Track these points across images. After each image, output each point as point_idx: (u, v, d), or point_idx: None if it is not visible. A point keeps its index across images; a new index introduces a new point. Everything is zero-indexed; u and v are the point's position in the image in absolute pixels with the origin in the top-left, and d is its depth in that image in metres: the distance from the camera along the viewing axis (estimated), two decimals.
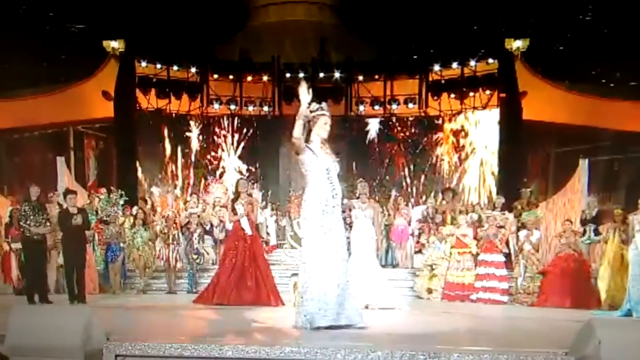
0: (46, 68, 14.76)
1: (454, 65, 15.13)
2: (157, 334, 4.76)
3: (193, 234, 11.00)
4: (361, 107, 15.90)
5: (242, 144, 16.23)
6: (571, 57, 15.29)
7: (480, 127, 15.20)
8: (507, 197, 11.69)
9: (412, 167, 16.00)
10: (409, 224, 11.85)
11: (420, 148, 15.95)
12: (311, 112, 5.30)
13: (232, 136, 16.20)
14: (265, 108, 16.15)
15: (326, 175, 5.28)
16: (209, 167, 15.92)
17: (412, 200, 14.66)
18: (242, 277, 8.21)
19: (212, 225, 11.90)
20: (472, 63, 14.92)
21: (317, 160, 5.29)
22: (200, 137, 16.05)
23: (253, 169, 16.04)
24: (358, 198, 8.94)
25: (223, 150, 16.16)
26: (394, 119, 16.03)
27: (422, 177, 15.86)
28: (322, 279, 5.15)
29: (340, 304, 5.15)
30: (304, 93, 5.25)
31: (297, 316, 5.31)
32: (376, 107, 15.83)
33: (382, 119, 16.07)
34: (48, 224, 8.50)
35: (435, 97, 15.56)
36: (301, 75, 15.65)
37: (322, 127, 5.32)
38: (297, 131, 5.20)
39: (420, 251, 11.34)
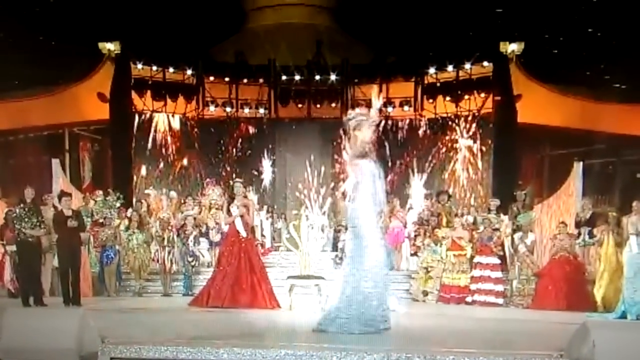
0: (41, 70, 14.71)
1: (449, 68, 15.16)
2: (153, 337, 4.75)
3: (189, 236, 10.98)
4: (357, 110, 15.90)
5: (238, 146, 16.21)
6: (566, 60, 15.37)
7: (475, 129, 15.23)
8: (502, 200, 11.72)
9: (408, 169, 15.99)
10: (405, 227, 11.87)
11: (416, 150, 15.95)
12: (349, 119, 5.50)
13: (228, 138, 16.17)
14: (261, 110, 16.14)
15: (373, 180, 5.42)
16: (205, 169, 15.88)
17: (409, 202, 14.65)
18: (237, 279, 8.20)
19: (207, 227, 11.88)
20: (467, 66, 14.95)
21: (370, 165, 5.45)
22: (196, 139, 16.02)
23: (249, 171, 15.99)
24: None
25: (219, 152, 16.12)
26: (389, 122, 16.04)
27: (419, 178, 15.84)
28: (359, 282, 5.29)
29: (371, 307, 5.25)
30: (375, 99, 5.67)
31: (323, 316, 5.44)
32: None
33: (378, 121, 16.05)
34: (43, 226, 8.47)
35: (431, 100, 15.59)
36: (297, 77, 15.70)
37: (366, 132, 5.51)
38: (368, 135, 5.45)
39: (415, 254, 11.35)
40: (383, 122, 16.01)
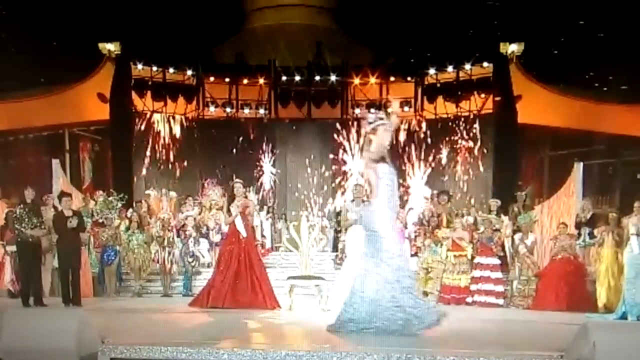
0: (42, 70, 14.74)
1: (449, 68, 15.17)
2: (152, 337, 4.75)
3: (189, 236, 10.97)
4: (357, 110, 15.93)
5: (239, 146, 16.20)
6: (566, 61, 15.38)
7: (476, 130, 15.23)
8: (502, 200, 11.72)
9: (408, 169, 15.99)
10: (405, 227, 11.85)
11: (416, 151, 15.94)
12: (369, 123, 5.52)
13: (229, 139, 16.16)
14: (262, 111, 16.14)
15: (389, 184, 5.45)
16: (205, 169, 15.86)
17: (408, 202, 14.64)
18: (237, 280, 8.19)
19: (208, 228, 11.87)
20: (467, 67, 14.95)
21: (387, 169, 5.46)
22: (196, 139, 16.01)
23: (249, 172, 15.98)
24: (353, 201, 8.97)
25: (219, 152, 16.11)
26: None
27: (419, 179, 15.85)
28: (369, 284, 5.29)
29: (386, 310, 5.24)
30: (396, 106, 5.82)
31: (337, 317, 5.42)
32: (372, 111, 15.79)
33: None
34: (43, 226, 8.47)
35: (431, 101, 15.60)
36: (297, 78, 15.70)
37: (384, 136, 5.52)
38: (386, 139, 5.50)
39: (416, 254, 11.33)
40: None
